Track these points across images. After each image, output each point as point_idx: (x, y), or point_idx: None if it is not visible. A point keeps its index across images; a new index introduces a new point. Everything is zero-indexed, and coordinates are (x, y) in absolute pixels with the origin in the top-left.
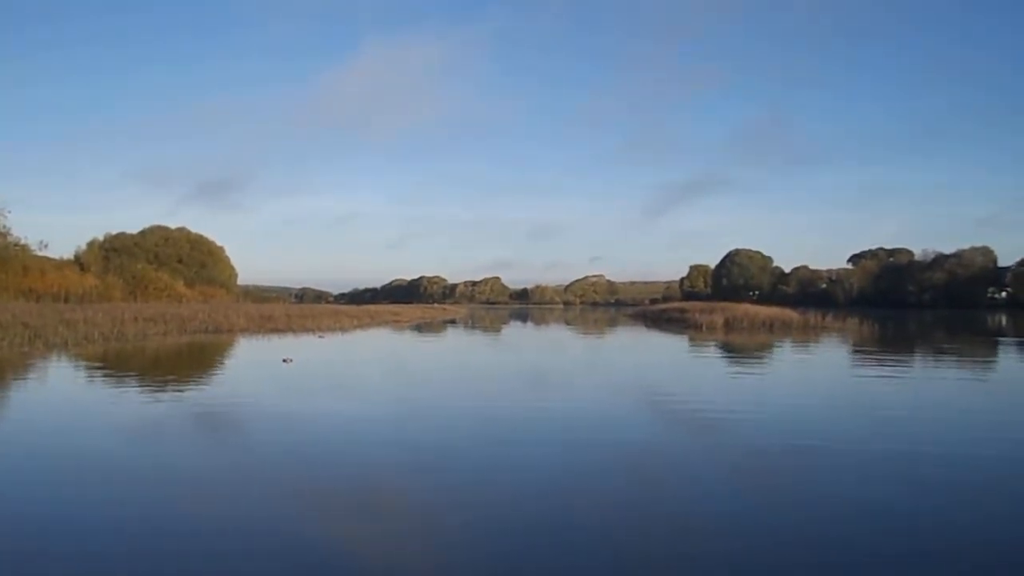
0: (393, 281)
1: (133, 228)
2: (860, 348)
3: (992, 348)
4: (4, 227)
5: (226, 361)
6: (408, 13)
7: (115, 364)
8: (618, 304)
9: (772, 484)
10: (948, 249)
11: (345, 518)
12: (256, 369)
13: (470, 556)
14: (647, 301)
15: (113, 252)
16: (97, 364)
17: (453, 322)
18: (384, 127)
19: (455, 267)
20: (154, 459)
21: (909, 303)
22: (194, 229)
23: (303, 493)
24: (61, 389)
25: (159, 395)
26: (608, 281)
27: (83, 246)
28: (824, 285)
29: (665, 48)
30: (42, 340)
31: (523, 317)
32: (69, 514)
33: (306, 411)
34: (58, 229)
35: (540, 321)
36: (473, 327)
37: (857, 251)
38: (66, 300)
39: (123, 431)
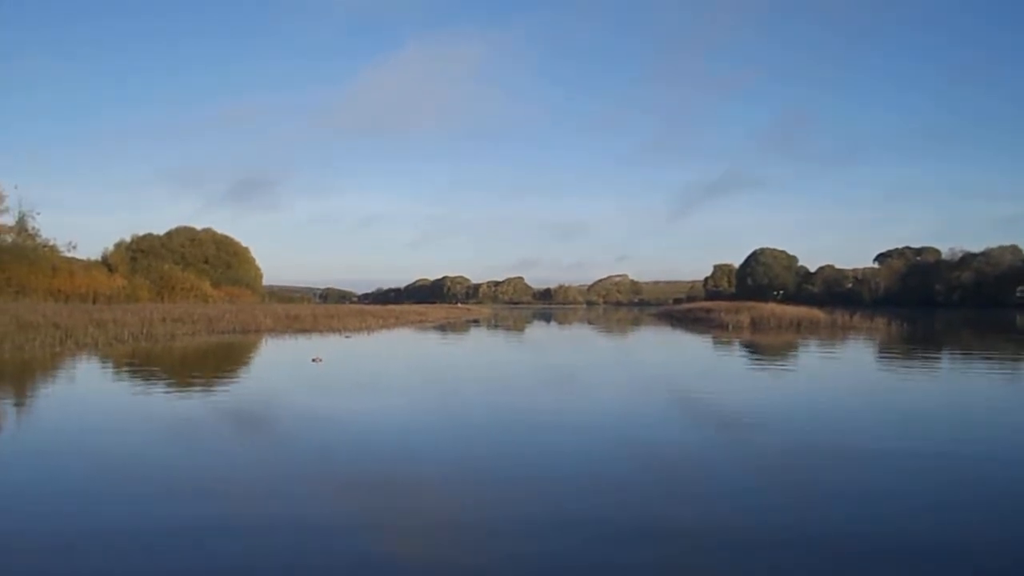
0: (416, 281)
1: (161, 228)
2: (890, 348)
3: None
4: (33, 228)
5: (257, 361)
6: (451, 13)
7: (147, 364)
8: (641, 304)
9: (814, 482)
10: (976, 248)
11: (384, 514)
12: (287, 369)
13: (501, 552)
14: (671, 301)
15: (140, 253)
16: (130, 364)
17: (476, 322)
18: (415, 128)
19: (479, 267)
20: (196, 458)
21: (936, 302)
22: (220, 229)
23: (346, 490)
24: (97, 389)
25: (195, 395)
26: (631, 281)
27: (110, 247)
28: (850, 284)
29: (691, 53)
30: (73, 340)
31: (546, 317)
32: (111, 513)
33: (340, 409)
34: (86, 229)
35: (563, 321)
36: (497, 327)
37: (883, 250)
38: (94, 301)
39: (163, 430)
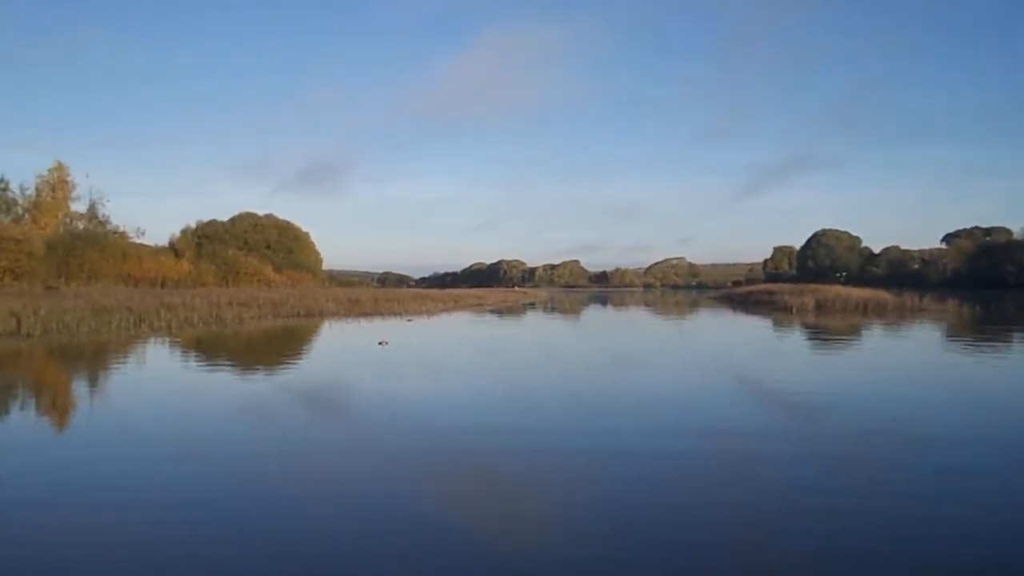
0: (473, 265)
1: (225, 214)
2: (967, 331)
3: None
4: (104, 215)
5: (326, 344)
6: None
7: (222, 347)
8: (699, 287)
9: (887, 466)
10: None
11: (459, 496)
12: (356, 352)
13: (571, 534)
14: (729, 283)
15: (205, 239)
16: (205, 347)
17: (533, 306)
18: (485, 114)
19: (537, 251)
20: (281, 437)
21: (1008, 284)
22: (282, 215)
23: (425, 472)
24: (180, 371)
25: (274, 377)
26: (689, 263)
27: (177, 233)
28: (916, 266)
29: (757, 39)
30: (147, 324)
31: (603, 301)
32: (204, 498)
33: (412, 390)
34: (152, 214)
35: (620, 304)
36: (554, 311)
37: (951, 230)
38: (162, 285)
39: (249, 409)
